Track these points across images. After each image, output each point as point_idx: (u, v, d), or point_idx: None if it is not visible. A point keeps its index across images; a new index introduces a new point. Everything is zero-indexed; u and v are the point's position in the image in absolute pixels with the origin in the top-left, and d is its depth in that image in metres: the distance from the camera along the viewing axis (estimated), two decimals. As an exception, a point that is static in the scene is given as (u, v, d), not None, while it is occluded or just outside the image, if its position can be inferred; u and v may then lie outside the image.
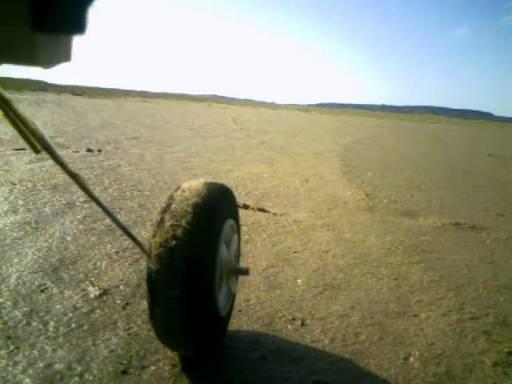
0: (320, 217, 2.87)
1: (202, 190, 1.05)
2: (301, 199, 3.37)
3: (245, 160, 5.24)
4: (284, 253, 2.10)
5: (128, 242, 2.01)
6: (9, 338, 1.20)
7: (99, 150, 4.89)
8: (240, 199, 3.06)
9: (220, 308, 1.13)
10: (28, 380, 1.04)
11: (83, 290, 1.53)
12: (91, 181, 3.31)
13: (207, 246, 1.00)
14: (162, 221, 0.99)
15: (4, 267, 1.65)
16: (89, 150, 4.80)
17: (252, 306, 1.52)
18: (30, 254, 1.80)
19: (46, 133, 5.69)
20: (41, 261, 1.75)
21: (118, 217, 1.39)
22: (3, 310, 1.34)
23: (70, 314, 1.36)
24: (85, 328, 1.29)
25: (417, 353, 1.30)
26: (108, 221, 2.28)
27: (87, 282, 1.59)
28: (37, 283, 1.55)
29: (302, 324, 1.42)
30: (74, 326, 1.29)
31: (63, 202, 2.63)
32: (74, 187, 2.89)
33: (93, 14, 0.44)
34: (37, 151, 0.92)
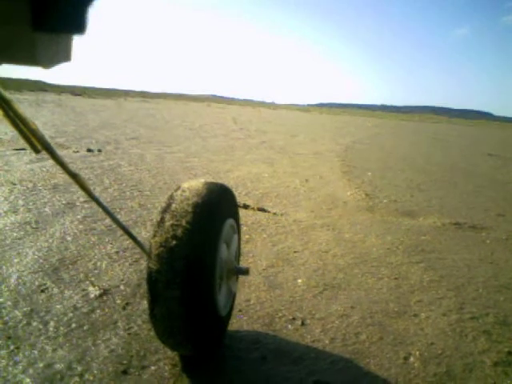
0: (320, 217, 2.87)
1: (202, 190, 1.05)
2: (301, 199, 3.37)
3: (245, 160, 5.24)
4: (284, 253, 2.10)
5: (128, 242, 2.01)
6: (9, 337, 1.20)
7: (99, 150, 4.89)
8: (240, 199, 3.06)
9: (220, 308, 1.13)
10: (28, 380, 1.04)
11: (83, 289, 1.53)
12: (91, 181, 3.31)
13: (207, 246, 1.00)
14: (162, 221, 0.99)
15: (4, 267, 1.66)
16: (89, 150, 4.80)
17: (252, 305, 1.52)
18: (30, 254, 1.80)
19: (47, 133, 5.69)
20: (41, 261, 1.75)
21: (119, 217, 1.40)
22: (3, 310, 1.35)
23: (71, 314, 1.36)
24: (85, 328, 1.29)
25: (417, 352, 1.30)
26: (108, 221, 2.28)
27: (87, 282, 1.59)
28: (37, 283, 1.55)
29: (302, 324, 1.42)
30: (74, 325, 1.29)
31: (63, 202, 2.63)
32: (74, 187, 2.89)
33: (93, 14, 0.44)
34: (37, 151, 0.92)
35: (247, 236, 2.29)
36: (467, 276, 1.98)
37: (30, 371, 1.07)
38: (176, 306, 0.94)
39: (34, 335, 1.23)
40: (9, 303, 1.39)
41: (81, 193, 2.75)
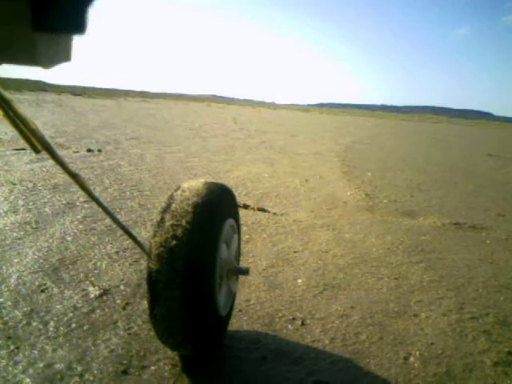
0: (320, 217, 2.87)
1: (202, 190, 1.05)
2: (301, 199, 3.37)
3: (245, 160, 5.24)
4: (284, 253, 2.10)
5: (128, 242, 2.01)
6: (9, 337, 1.20)
7: (99, 150, 4.89)
8: (240, 199, 3.06)
9: (220, 308, 1.13)
10: (28, 380, 1.04)
11: (83, 289, 1.53)
12: (91, 181, 3.31)
13: (207, 246, 1.00)
14: (162, 220, 0.99)
15: (4, 267, 1.66)
16: (89, 150, 4.80)
17: (252, 305, 1.52)
18: (30, 254, 1.80)
19: (47, 133, 5.69)
20: (41, 261, 1.75)
21: (119, 217, 1.40)
22: (3, 310, 1.35)
23: (71, 314, 1.36)
24: (85, 328, 1.29)
25: (417, 352, 1.30)
26: (108, 221, 2.28)
27: (87, 282, 1.59)
28: (37, 283, 1.55)
29: (303, 324, 1.42)
30: (74, 325, 1.29)
31: (63, 202, 2.63)
32: (74, 187, 2.89)
33: (93, 14, 0.44)
34: (37, 151, 0.92)
35: (247, 236, 2.29)
36: (467, 276, 1.98)
37: (30, 371, 1.07)
38: (176, 306, 0.94)
39: (34, 335, 1.23)
40: (9, 303, 1.39)
41: (81, 193, 2.75)
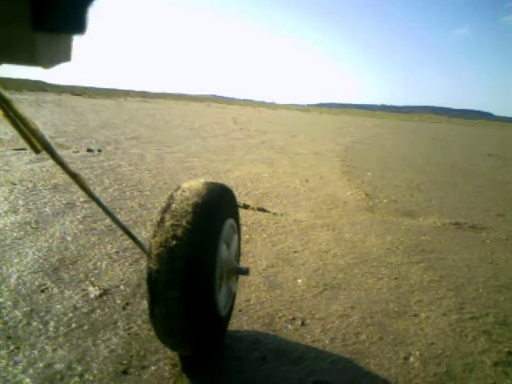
0: (320, 217, 2.87)
1: (202, 190, 1.05)
2: (301, 199, 3.37)
3: (245, 160, 5.24)
4: (284, 253, 2.10)
5: (128, 242, 2.01)
6: (9, 337, 1.20)
7: (99, 150, 4.89)
8: (240, 199, 3.06)
9: (220, 308, 1.13)
10: (28, 380, 1.04)
11: (83, 289, 1.53)
12: (91, 181, 3.31)
13: (207, 246, 1.00)
14: (162, 220, 0.99)
15: (4, 267, 1.66)
16: (89, 150, 4.80)
17: (252, 305, 1.52)
18: (30, 254, 1.80)
19: (47, 133, 5.69)
20: (41, 261, 1.75)
21: (119, 217, 1.40)
22: (3, 310, 1.35)
23: (71, 314, 1.36)
24: (85, 328, 1.29)
25: (417, 352, 1.30)
26: (108, 221, 2.28)
27: (87, 282, 1.59)
28: (37, 283, 1.55)
29: (302, 324, 1.42)
30: (74, 325, 1.29)
31: (63, 202, 2.63)
32: (74, 187, 2.89)
33: (93, 14, 0.44)
34: (37, 151, 0.92)
35: (247, 236, 2.29)
36: (467, 276, 1.98)
37: (30, 371, 1.07)
38: (176, 306, 0.94)
39: (34, 335, 1.23)
40: (9, 303, 1.39)
41: (81, 193, 2.75)
